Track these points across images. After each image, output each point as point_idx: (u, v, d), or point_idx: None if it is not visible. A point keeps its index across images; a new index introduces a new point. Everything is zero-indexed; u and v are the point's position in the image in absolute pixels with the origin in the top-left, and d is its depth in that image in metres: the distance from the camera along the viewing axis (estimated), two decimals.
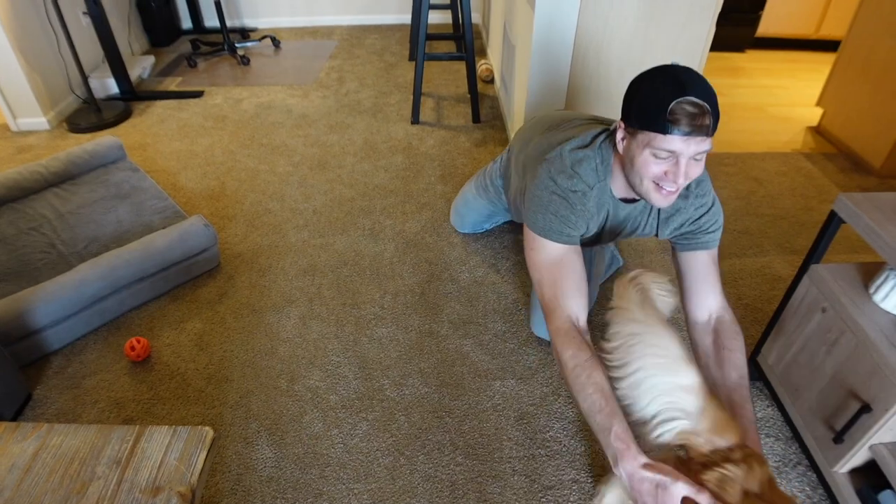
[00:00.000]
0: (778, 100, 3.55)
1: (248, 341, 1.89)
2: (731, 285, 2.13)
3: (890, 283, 1.29)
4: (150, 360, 1.82)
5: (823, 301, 1.40)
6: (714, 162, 2.86)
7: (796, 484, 1.51)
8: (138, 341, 1.80)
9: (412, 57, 3.88)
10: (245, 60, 3.79)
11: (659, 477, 0.96)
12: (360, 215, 2.45)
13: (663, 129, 1.08)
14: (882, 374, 1.22)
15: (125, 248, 1.98)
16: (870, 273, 1.40)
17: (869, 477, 1.37)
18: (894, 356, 1.20)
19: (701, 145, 1.10)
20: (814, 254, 1.43)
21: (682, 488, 0.93)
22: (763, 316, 1.98)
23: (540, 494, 1.48)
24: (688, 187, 1.32)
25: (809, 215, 2.48)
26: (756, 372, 1.70)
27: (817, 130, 3.15)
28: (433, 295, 2.06)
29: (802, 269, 1.48)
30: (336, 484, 1.50)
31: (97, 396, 1.71)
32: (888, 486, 1.31)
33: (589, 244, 1.56)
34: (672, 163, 1.12)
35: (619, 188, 1.34)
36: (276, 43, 4.16)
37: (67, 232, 2.16)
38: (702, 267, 1.36)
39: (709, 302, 1.34)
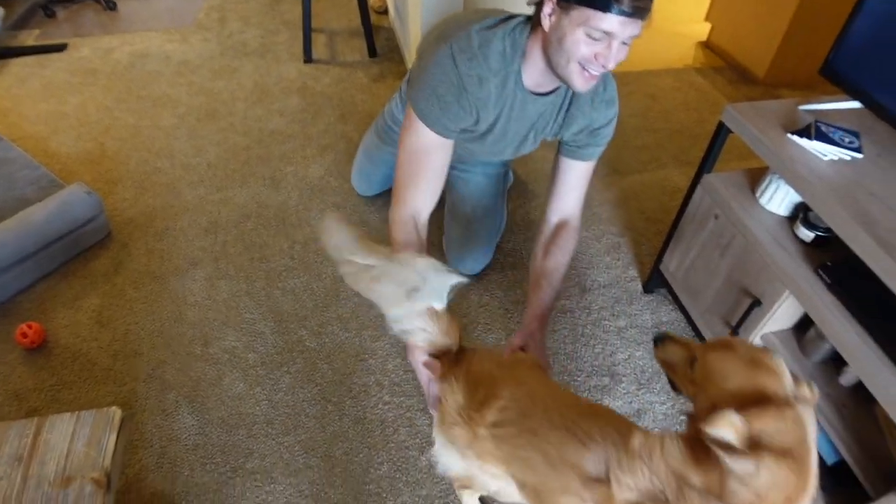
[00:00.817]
0: (670, 16, 3.62)
1: (153, 310, 1.79)
2: (633, 199, 2.23)
3: (773, 187, 1.39)
4: (46, 345, 1.69)
5: (716, 208, 1.49)
6: (617, 80, 2.91)
7: None
8: (29, 326, 1.66)
9: None
10: (111, 4, 3.38)
11: (433, 372, 1.12)
12: (258, 164, 2.33)
13: (604, 7, 1.02)
14: (769, 270, 1.33)
15: (2, 227, 1.79)
16: (756, 178, 1.49)
17: None
18: (778, 252, 1.31)
19: (635, 28, 1.07)
20: (705, 164, 1.51)
21: (437, 388, 1.10)
22: (664, 227, 2.07)
23: None
24: (595, 87, 1.27)
25: (702, 127, 2.60)
26: (659, 280, 1.81)
27: (707, 45, 3.26)
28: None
29: (696, 180, 1.56)
30: (265, 440, 1.49)
31: None
32: None
33: (496, 146, 1.48)
34: (604, 45, 1.08)
35: (532, 76, 1.26)
36: None
37: None
38: (579, 175, 1.43)
39: (567, 207, 1.45)
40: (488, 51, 1.23)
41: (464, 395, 1.03)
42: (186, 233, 2.04)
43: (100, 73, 2.84)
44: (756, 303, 1.37)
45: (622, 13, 1.02)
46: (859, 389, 1.26)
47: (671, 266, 1.73)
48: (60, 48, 3.01)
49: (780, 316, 1.38)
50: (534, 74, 1.25)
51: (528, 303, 1.36)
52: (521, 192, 2.25)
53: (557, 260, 1.39)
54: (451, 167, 1.87)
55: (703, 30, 3.28)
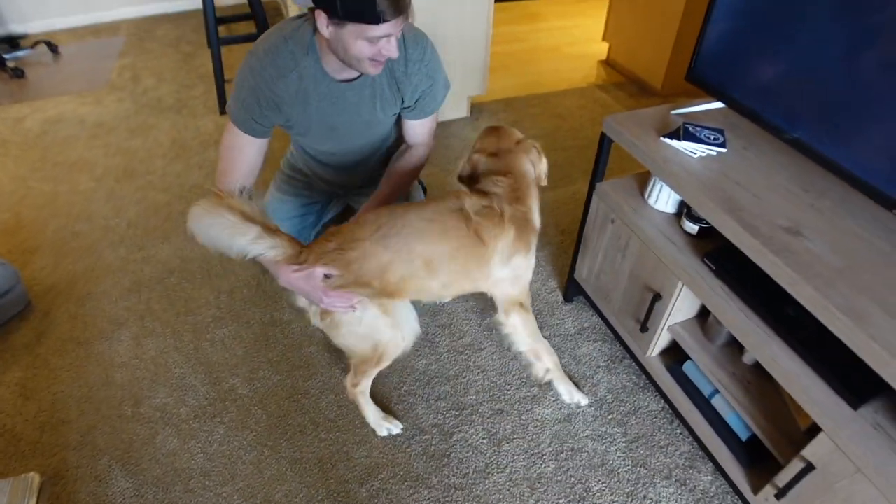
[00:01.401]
0: (572, 38, 3.85)
1: (80, 376, 1.77)
2: (548, 215, 2.34)
3: (657, 187, 1.51)
4: None
5: (612, 213, 1.61)
6: (522, 104, 3.08)
7: (624, 375, 1.75)
8: None
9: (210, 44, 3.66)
10: (19, 73, 3.35)
11: (305, 270, 1.32)
12: (179, 219, 2.34)
13: (375, 21, 1.22)
14: (663, 265, 1.44)
15: None
16: (644, 182, 1.62)
17: (673, 355, 1.63)
18: (668, 247, 1.43)
19: (403, 21, 1.28)
20: (596, 173, 1.63)
21: (319, 270, 1.31)
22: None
23: (404, 444, 1.58)
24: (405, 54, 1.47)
25: None
26: (576, 288, 1.92)
27: (607, 63, 3.48)
28: (269, 284, 2.05)
29: (591, 189, 1.67)
30: (203, 493, 1.49)
31: None
32: (687, 357, 1.56)
33: (334, 137, 1.66)
34: (384, 43, 1.29)
35: (334, 68, 1.43)
36: (52, 48, 3.69)
37: None
38: (428, 126, 1.67)
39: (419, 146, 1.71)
40: (276, 54, 1.40)
41: (339, 265, 1.32)
42: (109, 294, 2.02)
43: (10, 143, 2.80)
44: (657, 297, 1.48)
45: (391, 19, 1.23)
46: (760, 366, 1.38)
47: (583, 273, 1.84)
48: None
49: (682, 306, 1.49)
50: (334, 67, 1.43)
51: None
52: None
53: (399, 164, 1.65)
54: (345, 193, 1.98)
55: (602, 49, 3.50)
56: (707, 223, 1.41)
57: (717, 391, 1.47)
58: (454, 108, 2.91)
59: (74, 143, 2.78)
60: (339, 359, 1.81)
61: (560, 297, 2.01)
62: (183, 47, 3.76)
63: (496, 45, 3.78)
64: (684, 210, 1.47)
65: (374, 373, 1.54)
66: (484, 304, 1.99)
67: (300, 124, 1.57)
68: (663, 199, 1.52)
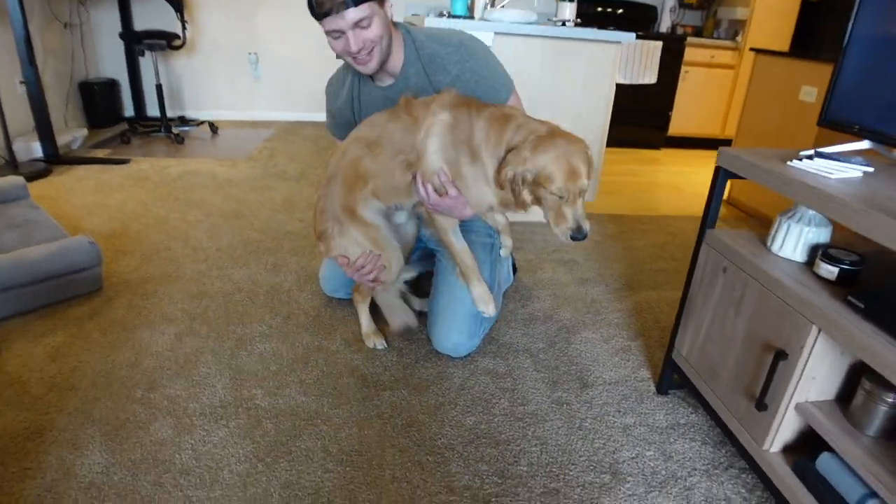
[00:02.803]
0: (692, 181, 3.76)
1: (110, 354, 1.66)
2: (648, 311, 2.05)
3: (784, 229, 1.24)
4: None
5: (723, 261, 1.33)
6: (632, 221, 2.92)
7: (730, 485, 1.32)
8: None
9: None
10: (179, 139, 3.84)
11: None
12: (264, 253, 2.33)
13: (319, 18, 1.39)
14: (790, 311, 1.12)
15: None
16: (762, 234, 1.35)
17: (800, 451, 1.20)
18: (799, 288, 1.12)
19: (357, 13, 1.37)
20: (707, 218, 1.39)
21: None
22: None
23: (425, 500, 1.24)
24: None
25: None
26: (672, 379, 1.56)
27: (728, 202, 3.29)
28: (329, 318, 1.90)
29: (699, 238, 1.42)
30: (172, 491, 1.23)
31: None
32: (822, 451, 1.14)
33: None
34: (344, 38, 1.41)
35: (377, 77, 1.64)
36: (213, 129, 4.25)
37: None
38: None
39: None
40: (333, 79, 1.78)
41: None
42: (173, 296, 1.97)
43: (150, 180, 3.09)
44: (781, 355, 1.12)
45: (331, 14, 1.36)
46: None
47: (684, 349, 1.50)
48: (124, 162, 3.34)
49: (816, 372, 1.12)
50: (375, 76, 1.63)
51: None
52: (524, 294, 2.11)
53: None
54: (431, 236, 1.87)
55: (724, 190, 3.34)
56: (849, 265, 1.10)
57: (872, 494, 1.02)
58: None
59: (200, 189, 3.01)
60: (376, 394, 1.55)
61: (652, 388, 1.64)
62: (320, 142, 4.14)
63: (611, 174, 3.77)
64: (819, 253, 1.17)
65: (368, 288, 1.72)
66: (557, 377, 1.67)
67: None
68: (791, 244, 1.24)
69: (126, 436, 1.37)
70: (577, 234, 1.33)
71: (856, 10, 1.23)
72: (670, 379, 1.59)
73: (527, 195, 1.36)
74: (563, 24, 2.56)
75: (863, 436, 1.07)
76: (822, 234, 1.22)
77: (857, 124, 1.25)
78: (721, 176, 1.34)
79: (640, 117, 4.63)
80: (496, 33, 2.40)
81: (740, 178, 1.30)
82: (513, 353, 1.77)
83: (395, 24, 1.59)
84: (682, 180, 3.78)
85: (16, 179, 2.45)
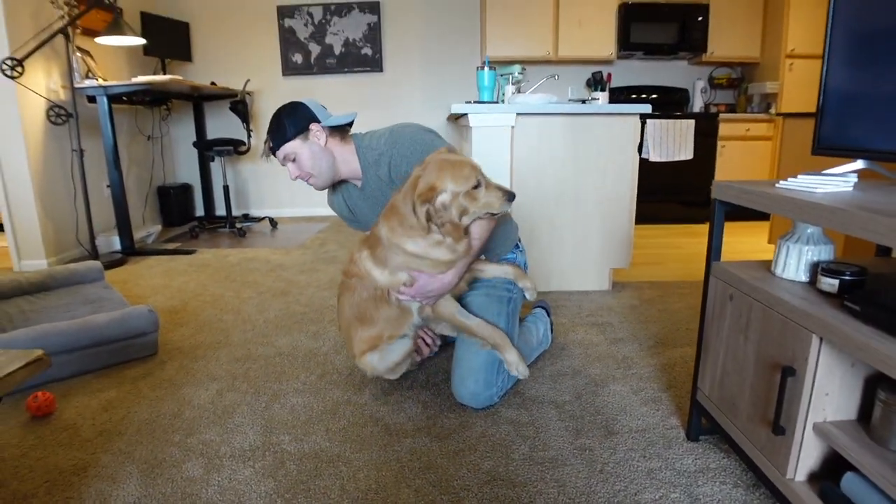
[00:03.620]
0: (737, 249, 3.70)
1: (157, 406, 1.78)
2: (681, 365, 2.01)
3: (784, 251, 1.25)
4: (51, 418, 1.72)
5: (729, 289, 1.34)
6: (671, 286, 2.89)
7: None
8: (43, 394, 1.73)
9: None
10: (241, 232, 4.18)
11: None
12: (307, 323, 2.46)
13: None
14: (791, 325, 1.11)
15: (62, 322, 2.01)
16: (768, 262, 1.36)
17: (826, 477, 1.14)
18: (797, 303, 1.12)
19: (282, 153, 1.74)
20: (711, 250, 1.42)
21: None
22: None
23: None
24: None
25: None
26: (702, 415, 1.52)
27: None
28: (360, 376, 1.97)
29: (707, 273, 1.44)
30: None
31: None
32: (846, 472, 1.08)
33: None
34: (287, 169, 1.79)
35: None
36: (273, 224, 4.63)
37: (22, 323, 2.22)
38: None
39: None
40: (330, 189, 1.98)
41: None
42: (220, 359, 2.11)
43: (211, 266, 3.37)
44: (788, 371, 1.11)
45: (270, 155, 1.79)
46: None
47: (706, 387, 1.46)
48: (190, 252, 3.67)
49: (828, 387, 1.08)
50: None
51: None
52: (555, 353, 2.12)
53: (474, 231, 1.67)
54: None
55: (768, 253, 3.26)
56: (850, 276, 1.10)
57: None
58: (593, 279, 2.84)
59: (254, 272, 3.24)
60: (397, 441, 1.58)
61: (682, 434, 1.58)
62: None
63: (652, 248, 3.78)
64: (819, 268, 1.17)
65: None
66: (581, 426, 1.64)
67: (366, 226, 1.94)
68: (792, 265, 1.24)
69: (160, 473, 1.45)
70: (508, 196, 1.57)
71: (830, 23, 1.30)
72: (699, 423, 1.54)
73: (453, 215, 1.55)
74: (583, 101, 2.74)
75: (886, 451, 1.02)
76: (822, 252, 1.23)
77: (849, 146, 1.28)
78: (717, 207, 1.38)
79: (680, 194, 4.69)
80: (518, 114, 2.60)
81: (734, 206, 1.34)
82: (537, 405, 1.77)
83: (350, 137, 1.82)
84: (726, 249, 3.72)
85: (93, 264, 2.76)
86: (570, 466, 1.46)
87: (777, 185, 1.24)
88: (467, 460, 1.49)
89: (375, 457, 1.51)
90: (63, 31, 3.39)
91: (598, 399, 1.80)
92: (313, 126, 1.72)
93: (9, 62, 3.15)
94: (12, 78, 3.18)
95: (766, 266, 1.36)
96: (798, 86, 4.55)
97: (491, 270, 1.84)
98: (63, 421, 1.71)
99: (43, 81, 3.47)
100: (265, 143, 1.78)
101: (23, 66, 3.19)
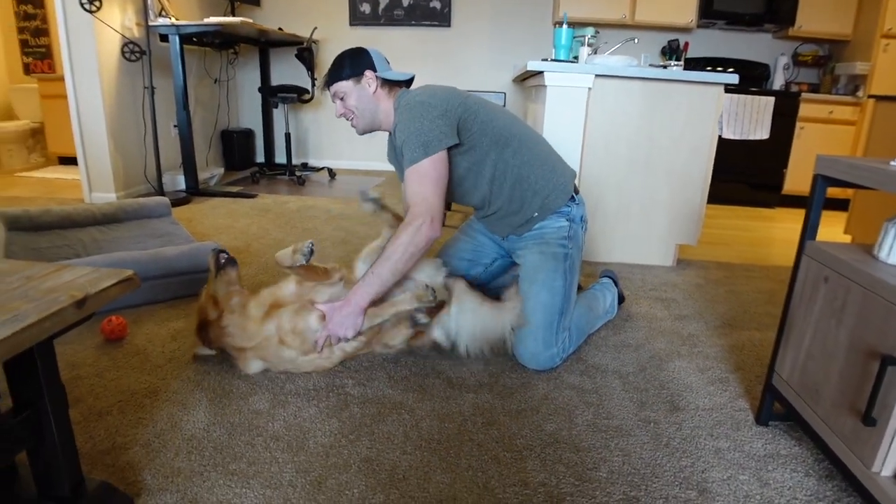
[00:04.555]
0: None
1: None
2: (750, 348, 1.93)
3: (891, 234, 1.17)
4: (122, 342, 1.79)
5: (824, 270, 1.26)
6: (739, 269, 2.78)
7: None
8: (116, 318, 1.79)
9: None
10: (301, 181, 4.22)
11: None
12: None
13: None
14: None
15: (135, 252, 2.07)
16: (868, 246, 1.27)
17: None
18: None
19: (333, 89, 1.77)
20: (806, 228, 1.33)
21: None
22: None
23: (497, 492, 1.23)
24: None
25: None
26: (775, 401, 1.46)
27: None
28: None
29: (799, 252, 1.36)
30: (262, 451, 1.32)
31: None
32: None
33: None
34: (335, 105, 1.82)
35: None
36: (331, 174, 4.65)
37: (95, 251, 2.29)
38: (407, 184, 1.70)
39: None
40: None
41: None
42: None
43: (271, 211, 3.41)
44: (888, 361, 1.04)
45: (324, 89, 1.82)
46: None
47: (785, 371, 1.40)
48: (251, 196, 3.72)
49: None
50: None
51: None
52: (617, 324, 2.07)
53: (387, 249, 1.63)
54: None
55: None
56: None
57: None
58: (658, 253, 2.75)
59: (313, 220, 3.28)
60: (459, 395, 1.57)
61: (750, 417, 1.53)
62: None
63: (719, 228, 3.64)
64: None
65: None
66: (646, 398, 1.60)
67: None
68: None
69: (228, 403, 1.49)
70: None
71: None
72: (770, 408, 1.48)
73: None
74: (665, 67, 2.61)
75: None
76: None
77: None
78: (819, 184, 1.29)
79: (752, 175, 4.48)
80: (596, 76, 2.49)
81: (840, 184, 1.25)
82: (601, 373, 1.73)
83: (397, 92, 1.80)
84: (798, 236, 3.57)
85: (161, 199, 2.82)
86: (634, 437, 1.43)
87: (892, 162, 1.14)
88: (530, 420, 1.48)
89: (438, 407, 1.52)
90: None
91: (662, 374, 1.75)
92: (368, 72, 1.74)
93: None
94: (90, 12, 3.23)
95: (866, 249, 1.27)
96: (893, 67, 4.23)
97: (400, 302, 1.70)
98: (134, 346, 1.78)
99: (118, 18, 3.52)
100: (323, 76, 1.82)
101: (101, 1, 3.24)
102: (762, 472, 1.33)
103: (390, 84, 1.79)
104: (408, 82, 1.83)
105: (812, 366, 1.30)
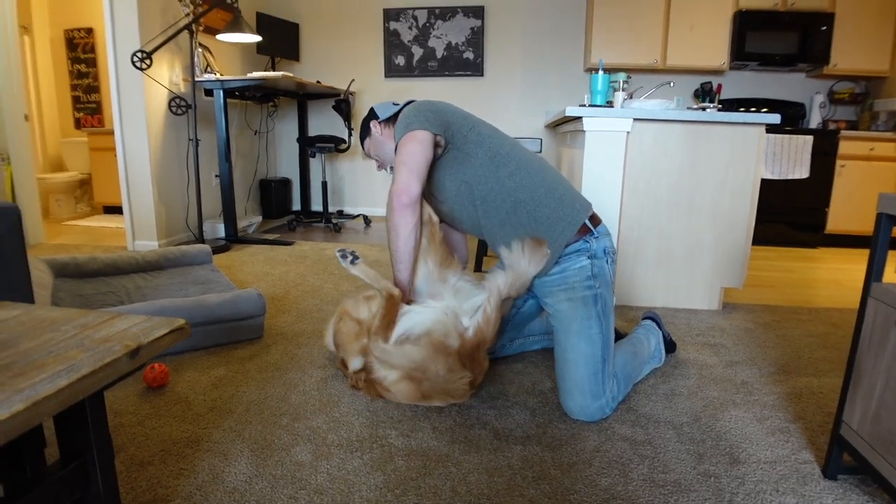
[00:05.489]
0: (857, 277, 3.39)
1: (264, 388, 1.81)
2: (809, 398, 1.83)
3: None
4: (164, 389, 1.79)
5: (894, 313, 1.19)
6: (787, 312, 2.68)
7: None
8: (159, 366, 1.80)
9: None
10: (337, 227, 4.28)
11: None
12: None
13: None
14: None
15: (179, 299, 2.10)
16: None
17: None
18: None
19: (364, 148, 2.00)
20: (871, 270, 1.27)
21: None
22: None
23: None
24: None
25: None
26: (843, 451, 1.36)
27: None
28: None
29: (865, 294, 1.29)
30: None
31: None
32: None
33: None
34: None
35: None
36: (367, 221, 4.71)
37: (139, 298, 2.34)
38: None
39: None
40: None
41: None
42: (322, 348, 2.13)
43: (309, 258, 3.45)
44: None
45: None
46: None
47: (854, 421, 1.31)
48: (289, 243, 3.78)
49: None
50: None
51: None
52: (665, 372, 1.99)
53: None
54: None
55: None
56: None
57: None
58: (702, 297, 2.67)
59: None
60: (507, 447, 1.52)
61: (816, 470, 1.43)
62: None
63: (762, 270, 3.53)
64: None
65: None
66: (703, 451, 1.52)
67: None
68: None
69: (270, 454, 1.47)
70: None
71: None
72: (839, 460, 1.39)
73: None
74: (704, 109, 2.59)
75: None
76: None
77: None
78: (884, 221, 1.24)
79: (792, 215, 4.37)
80: (635, 119, 2.49)
81: (839, 234, 1.20)
82: (653, 424, 1.66)
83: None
84: (844, 276, 3.44)
85: (203, 247, 2.88)
86: (695, 493, 1.35)
87: None
88: (582, 475, 1.41)
89: (486, 461, 1.46)
90: (188, 27, 3.60)
91: (718, 424, 1.66)
92: (373, 123, 1.92)
93: (139, 55, 3.37)
94: (141, 69, 3.40)
95: None
96: None
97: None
98: (176, 394, 1.77)
99: (167, 74, 3.70)
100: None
101: (151, 59, 3.41)
102: None
103: (391, 121, 1.91)
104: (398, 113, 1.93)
105: (886, 415, 1.21)
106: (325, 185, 4.57)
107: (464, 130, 1.72)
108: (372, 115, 1.93)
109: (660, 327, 2.07)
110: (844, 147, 4.29)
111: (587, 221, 1.72)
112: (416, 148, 1.65)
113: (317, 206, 5.21)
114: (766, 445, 1.55)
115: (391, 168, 1.86)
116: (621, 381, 1.75)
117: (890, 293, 1.22)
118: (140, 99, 3.51)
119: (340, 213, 5.03)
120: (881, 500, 1.32)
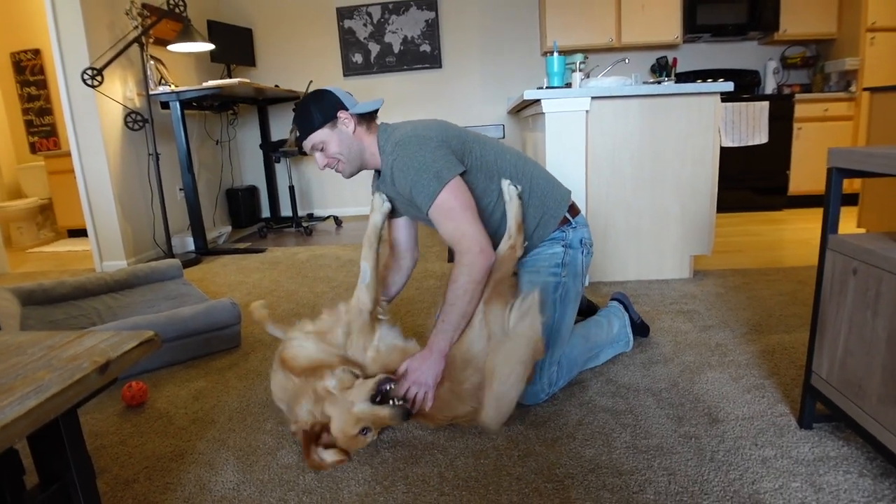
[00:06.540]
0: (819, 235, 3.48)
1: (245, 395, 1.80)
2: (781, 352, 1.89)
3: None
4: (144, 406, 1.76)
5: (852, 263, 1.23)
6: (756, 274, 2.74)
7: None
8: (136, 384, 1.77)
9: None
10: (308, 231, 4.25)
11: None
12: None
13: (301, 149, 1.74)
14: None
15: (151, 315, 2.07)
16: (890, 235, 1.25)
17: None
18: None
19: (310, 142, 1.63)
20: (827, 222, 1.31)
21: None
22: None
23: None
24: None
25: None
26: (816, 401, 1.41)
27: None
28: None
29: (823, 247, 1.33)
30: None
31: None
32: None
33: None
34: (315, 158, 1.69)
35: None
36: (338, 222, 4.68)
37: (110, 318, 2.29)
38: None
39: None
40: None
41: None
42: None
43: (282, 263, 3.42)
44: None
45: (300, 144, 1.67)
46: None
47: (823, 370, 1.35)
48: (261, 251, 3.74)
49: None
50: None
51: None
52: (642, 341, 2.03)
53: (448, 294, 1.54)
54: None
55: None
56: None
57: None
58: (673, 267, 2.72)
59: (325, 268, 3.27)
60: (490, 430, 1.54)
61: (793, 422, 1.48)
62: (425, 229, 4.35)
63: (730, 236, 3.61)
64: None
65: None
66: (683, 413, 1.56)
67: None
68: None
69: (256, 460, 1.46)
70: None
71: None
72: (813, 409, 1.43)
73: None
74: (660, 82, 2.63)
75: None
76: None
77: None
78: (835, 177, 1.28)
79: (755, 180, 4.47)
80: (593, 98, 2.52)
81: (857, 174, 1.24)
82: (633, 393, 1.69)
83: (375, 125, 1.69)
84: (809, 235, 3.53)
85: (173, 262, 2.84)
86: (677, 455, 1.38)
87: None
88: (567, 448, 1.43)
89: (471, 445, 1.47)
90: (137, 40, 3.52)
91: (695, 387, 1.70)
92: (341, 114, 1.60)
93: (89, 72, 3.29)
94: (93, 87, 3.32)
95: (891, 237, 1.25)
96: (881, 60, 4.26)
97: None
98: (156, 410, 1.75)
99: (120, 90, 3.62)
100: (291, 132, 1.67)
101: (102, 76, 3.33)
102: (814, 477, 1.27)
103: (366, 119, 1.67)
104: (376, 111, 1.71)
105: (852, 361, 1.26)
106: (292, 189, 4.53)
107: (464, 159, 1.63)
108: (333, 100, 1.62)
109: (627, 310, 2.02)
110: (800, 110, 4.39)
111: (566, 213, 1.75)
112: (465, 196, 1.54)
113: (286, 211, 5.16)
114: (742, 403, 1.60)
115: (341, 169, 1.67)
116: (563, 367, 1.71)
117: (846, 243, 1.26)
118: (95, 117, 3.43)
119: (311, 217, 4.99)
120: (854, 444, 1.37)
